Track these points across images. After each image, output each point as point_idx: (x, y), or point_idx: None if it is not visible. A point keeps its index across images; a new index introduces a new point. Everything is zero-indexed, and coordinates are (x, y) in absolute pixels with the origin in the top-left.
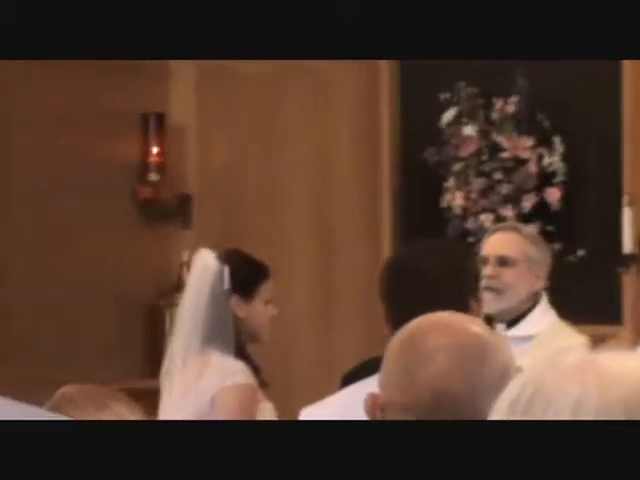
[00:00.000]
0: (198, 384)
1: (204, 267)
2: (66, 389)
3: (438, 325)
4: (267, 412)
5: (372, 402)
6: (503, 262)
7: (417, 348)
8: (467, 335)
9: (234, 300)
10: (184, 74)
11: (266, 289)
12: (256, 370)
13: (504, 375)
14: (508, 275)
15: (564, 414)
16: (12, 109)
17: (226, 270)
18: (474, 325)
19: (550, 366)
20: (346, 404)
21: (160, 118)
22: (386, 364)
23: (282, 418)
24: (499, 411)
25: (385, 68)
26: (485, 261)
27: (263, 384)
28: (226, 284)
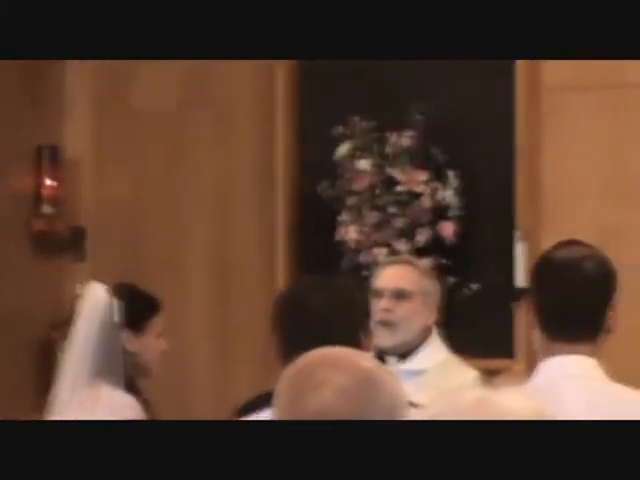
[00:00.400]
0: (87, 417)
1: (95, 300)
2: None
3: (326, 360)
4: None
5: None
6: (399, 295)
7: (305, 382)
8: (355, 370)
9: (124, 334)
10: (80, 106)
11: (157, 323)
12: (146, 404)
13: (392, 410)
14: (404, 308)
15: None
16: None
17: (116, 303)
18: (363, 360)
19: (449, 403)
20: None
21: (55, 150)
22: (276, 398)
23: None
24: None
25: (281, 101)
26: (379, 294)
27: (154, 416)
28: (116, 317)
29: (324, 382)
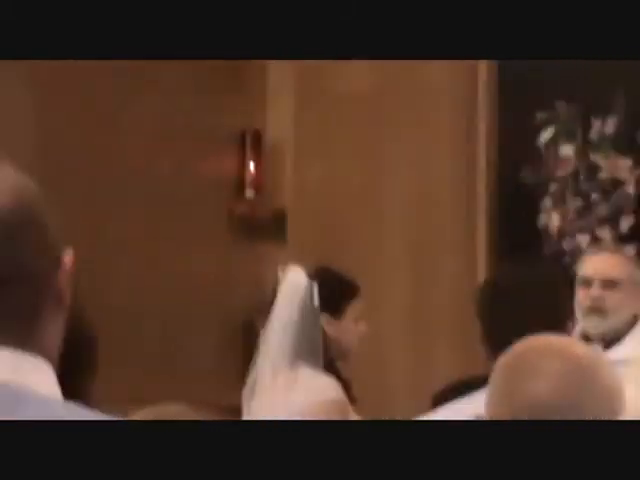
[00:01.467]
0: (287, 400)
1: (294, 284)
2: (159, 409)
3: (545, 349)
4: None
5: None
6: (609, 284)
7: (522, 372)
8: (574, 359)
9: (323, 318)
10: (281, 92)
11: (355, 307)
12: (346, 385)
13: (609, 396)
14: (614, 297)
15: None
16: (123, 126)
17: (316, 287)
18: (580, 348)
19: None
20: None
21: (257, 135)
22: (491, 386)
23: None
24: None
25: (482, 85)
26: (588, 282)
27: (353, 400)
28: (315, 301)
29: (541, 370)
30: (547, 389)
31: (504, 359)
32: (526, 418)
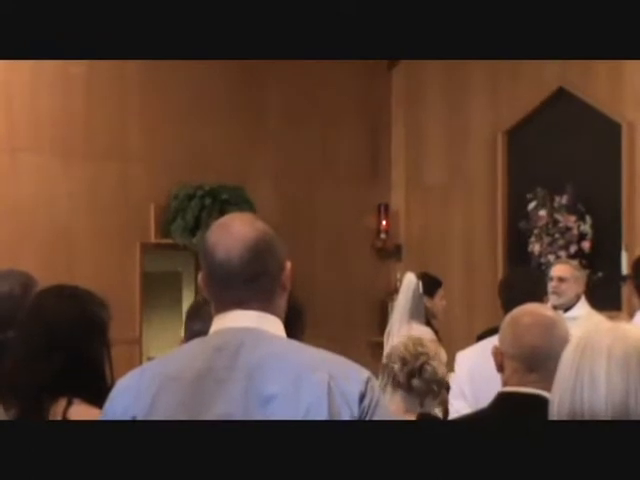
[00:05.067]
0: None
1: (409, 281)
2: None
3: (530, 311)
4: (442, 353)
5: (496, 351)
6: (561, 279)
7: (519, 323)
8: (546, 315)
9: (425, 298)
10: (398, 183)
11: (440, 292)
12: (436, 332)
13: (565, 336)
14: (564, 286)
15: (602, 355)
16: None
17: (420, 283)
18: (549, 311)
19: (595, 329)
20: (480, 349)
21: (387, 206)
22: (503, 331)
23: (448, 357)
24: (567, 354)
25: (501, 182)
26: (552, 279)
27: (439, 339)
28: (420, 290)
29: (531, 322)
30: (535, 335)
31: (509, 317)
32: (528, 350)
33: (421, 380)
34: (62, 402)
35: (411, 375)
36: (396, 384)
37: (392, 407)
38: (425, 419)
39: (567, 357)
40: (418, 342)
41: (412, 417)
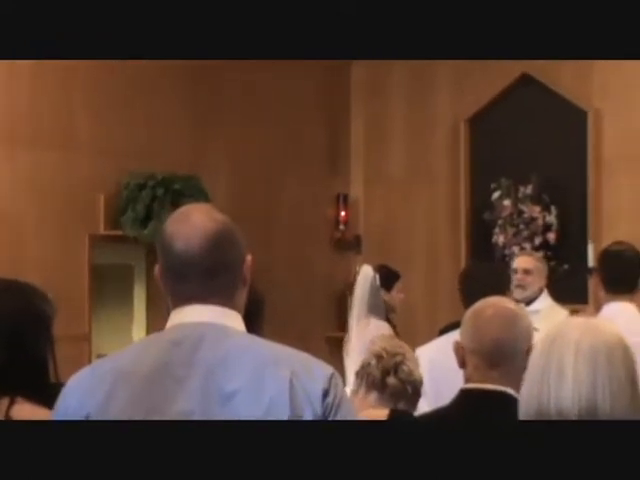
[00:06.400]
0: (365, 333)
1: (365, 274)
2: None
3: (492, 304)
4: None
5: (457, 346)
6: (526, 272)
7: (481, 317)
8: (508, 308)
9: (382, 291)
10: (358, 173)
11: (398, 285)
12: (394, 327)
13: (528, 330)
14: (529, 278)
15: (570, 349)
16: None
17: (377, 276)
18: (511, 304)
19: (565, 322)
20: (441, 344)
21: (345, 196)
22: (464, 325)
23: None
24: (536, 348)
25: (463, 172)
26: (516, 271)
27: (397, 335)
28: (377, 282)
29: (493, 315)
30: (497, 329)
31: (471, 311)
32: (489, 343)
33: (396, 378)
34: (4, 401)
35: (386, 372)
36: (370, 383)
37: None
38: (397, 416)
39: (536, 350)
40: (397, 343)
41: (383, 416)
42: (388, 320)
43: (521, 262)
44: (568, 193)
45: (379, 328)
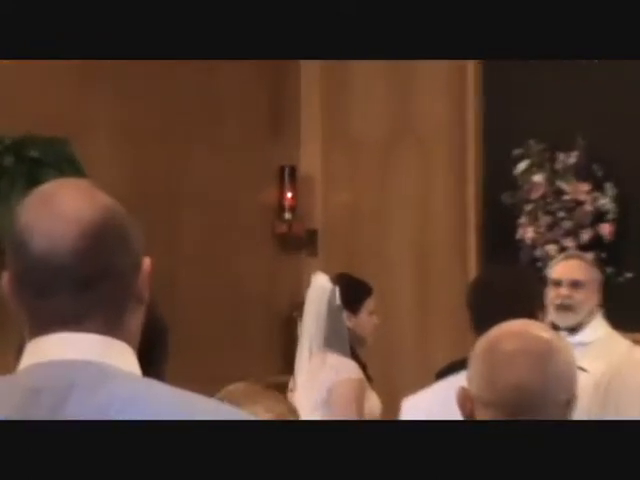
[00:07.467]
0: (318, 377)
1: (320, 287)
2: (230, 387)
3: (515, 332)
4: (373, 401)
5: (462, 395)
6: (575, 284)
7: (498, 352)
8: (540, 339)
9: (345, 313)
10: (312, 137)
11: (369, 303)
12: (364, 367)
13: (569, 372)
14: (580, 295)
15: (637, 393)
16: (196, 166)
17: (337, 290)
18: (544, 332)
19: (624, 360)
20: (439, 393)
21: (293, 170)
22: (472, 364)
23: (385, 407)
24: (582, 399)
25: (471, 128)
26: (558, 283)
27: (369, 379)
28: (337, 301)
29: (515, 352)
30: (523, 370)
31: (484, 342)
32: (509, 394)
33: None
34: None
35: None
36: None
37: None
38: None
39: (583, 403)
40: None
41: None
42: (354, 356)
43: (566, 269)
44: (631, 166)
45: (340, 368)
